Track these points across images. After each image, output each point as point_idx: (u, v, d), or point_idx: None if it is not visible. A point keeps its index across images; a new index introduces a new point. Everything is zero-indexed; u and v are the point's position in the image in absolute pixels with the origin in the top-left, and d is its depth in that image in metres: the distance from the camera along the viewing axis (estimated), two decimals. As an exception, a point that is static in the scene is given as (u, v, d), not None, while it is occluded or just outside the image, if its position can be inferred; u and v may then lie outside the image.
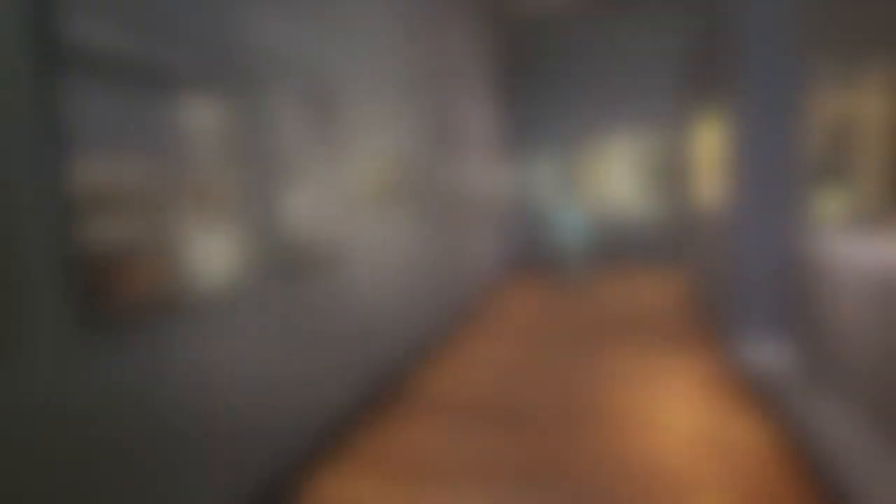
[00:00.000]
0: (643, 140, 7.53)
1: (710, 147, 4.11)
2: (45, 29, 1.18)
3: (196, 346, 1.59)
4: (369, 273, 2.91)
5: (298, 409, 2.19)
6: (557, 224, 4.65)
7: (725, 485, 2.10)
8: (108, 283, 1.33)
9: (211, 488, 1.65)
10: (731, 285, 3.41)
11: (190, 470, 1.56)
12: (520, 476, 2.19)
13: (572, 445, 2.48)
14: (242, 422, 1.81)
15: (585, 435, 2.57)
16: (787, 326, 3.17)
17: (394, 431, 2.63)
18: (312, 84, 2.38)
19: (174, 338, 1.51)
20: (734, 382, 3.13)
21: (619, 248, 7.33)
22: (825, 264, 2.53)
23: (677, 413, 2.75)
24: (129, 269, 1.39)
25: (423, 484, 2.11)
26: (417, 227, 3.73)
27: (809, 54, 2.98)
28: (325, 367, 2.40)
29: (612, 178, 7.80)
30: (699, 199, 4.50)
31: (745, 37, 3.10)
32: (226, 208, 1.77)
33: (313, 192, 2.33)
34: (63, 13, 1.21)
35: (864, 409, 2.21)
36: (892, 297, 1.97)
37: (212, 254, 1.69)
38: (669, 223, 7.08)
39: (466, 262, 5.13)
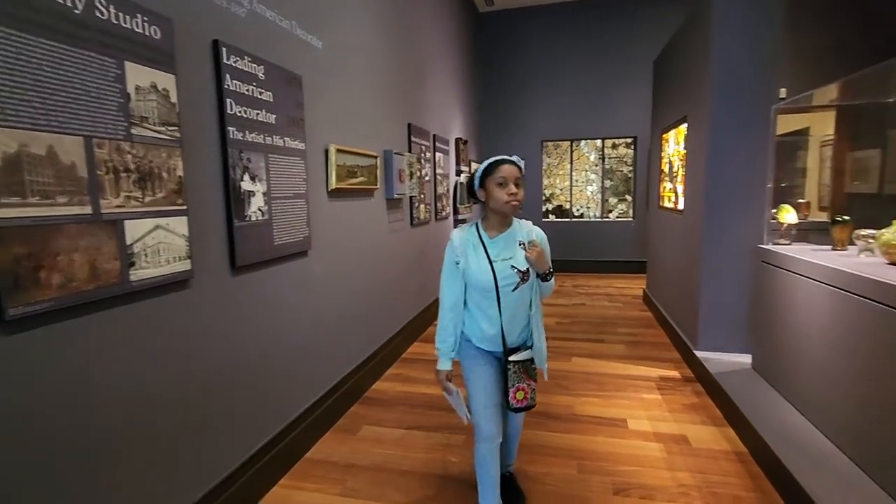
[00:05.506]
0: (611, 144, 7.68)
1: (677, 154, 4.23)
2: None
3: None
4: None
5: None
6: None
7: (691, 486, 2.15)
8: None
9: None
10: (694, 289, 3.51)
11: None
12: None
13: (545, 441, 2.53)
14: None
15: (557, 432, 2.62)
16: (749, 329, 3.27)
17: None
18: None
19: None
20: (698, 385, 3.23)
21: (584, 252, 7.43)
22: (783, 267, 2.64)
23: (642, 415, 2.82)
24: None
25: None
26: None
27: (775, 71, 3.11)
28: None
29: (580, 181, 7.93)
30: (665, 205, 4.62)
31: (713, 51, 3.21)
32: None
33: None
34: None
35: (821, 407, 2.30)
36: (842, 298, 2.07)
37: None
38: (635, 228, 7.23)
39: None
